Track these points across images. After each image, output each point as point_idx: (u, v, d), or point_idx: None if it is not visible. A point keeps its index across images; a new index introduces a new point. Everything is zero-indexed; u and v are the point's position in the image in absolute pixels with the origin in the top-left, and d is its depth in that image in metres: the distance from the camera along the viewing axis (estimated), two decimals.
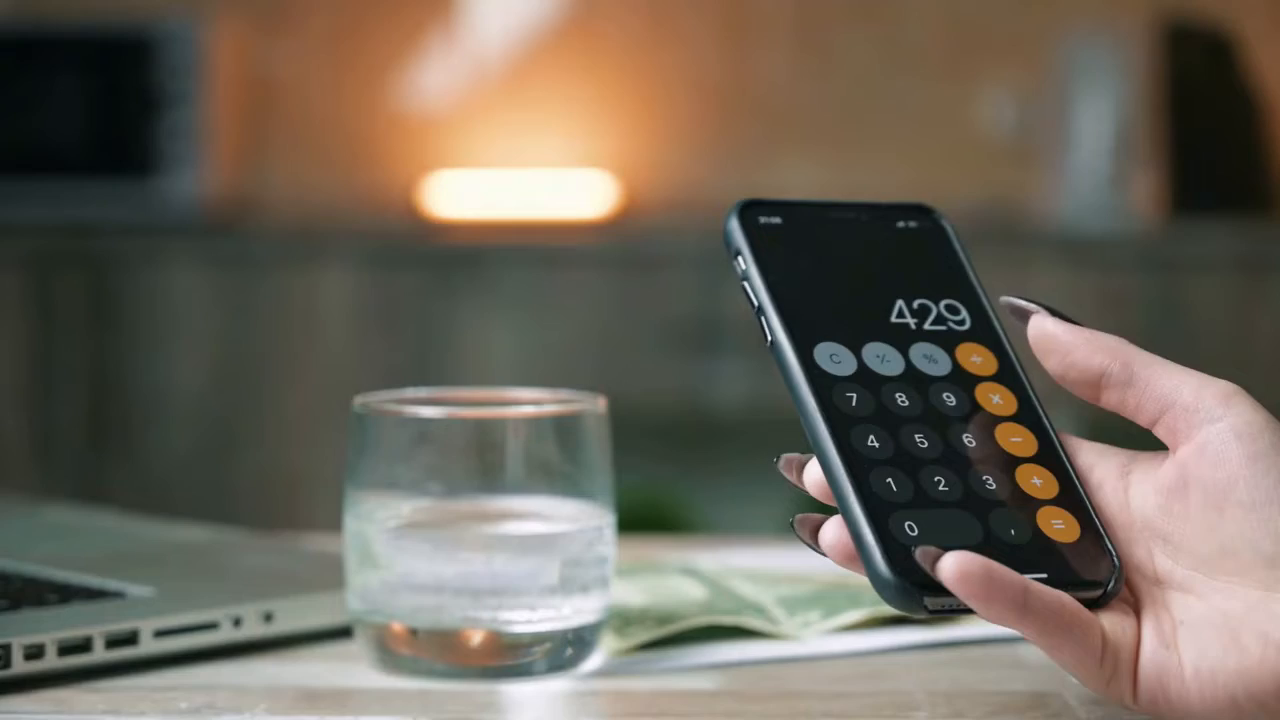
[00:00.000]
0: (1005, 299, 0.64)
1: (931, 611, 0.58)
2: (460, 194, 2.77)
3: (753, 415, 2.37)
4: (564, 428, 0.75)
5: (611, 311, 2.55)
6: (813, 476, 0.61)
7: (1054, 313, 0.63)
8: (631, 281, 2.55)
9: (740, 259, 0.65)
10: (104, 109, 2.66)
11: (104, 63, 2.66)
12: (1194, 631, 0.58)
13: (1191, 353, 2.38)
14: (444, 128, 2.86)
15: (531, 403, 0.77)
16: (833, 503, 0.60)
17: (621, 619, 0.79)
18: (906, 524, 0.59)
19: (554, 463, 0.75)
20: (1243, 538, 0.58)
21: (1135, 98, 2.69)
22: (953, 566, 0.56)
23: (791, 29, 2.87)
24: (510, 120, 2.85)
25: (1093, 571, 0.60)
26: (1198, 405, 0.59)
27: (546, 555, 0.73)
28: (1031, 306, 0.63)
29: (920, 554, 0.57)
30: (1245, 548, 0.58)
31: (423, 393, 0.77)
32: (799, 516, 0.62)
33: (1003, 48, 2.84)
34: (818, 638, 0.79)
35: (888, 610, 0.81)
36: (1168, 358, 0.62)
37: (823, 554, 0.61)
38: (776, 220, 0.66)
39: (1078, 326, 0.62)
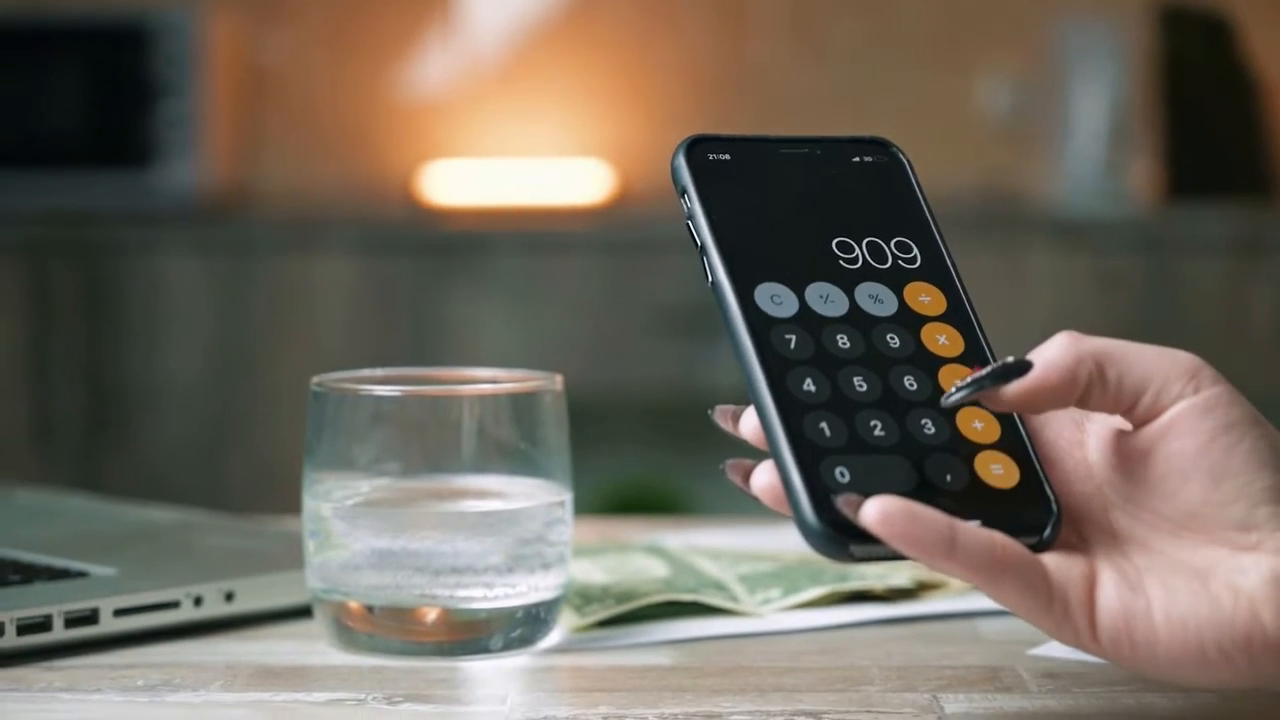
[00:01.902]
0: (946, 404, 0.60)
1: (858, 559, 0.57)
2: (457, 182, 2.77)
3: (746, 400, 2.36)
4: (521, 406, 0.75)
5: (606, 297, 2.55)
6: (749, 424, 0.61)
7: (996, 376, 0.59)
8: (626, 268, 2.55)
9: (686, 197, 0.63)
10: (101, 98, 2.67)
11: (101, 52, 2.66)
12: (1163, 578, 0.58)
13: (1186, 335, 2.38)
14: (441, 116, 2.86)
15: (488, 381, 0.77)
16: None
17: (582, 597, 0.79)
18: (838, 470, 0.58)
19: (511, 441, 0.75)
20: (1211, 503, 0.58)
21: (1131, 81, 2.69)
22: (875, 509, 0.56)
23: (786, 16, 2.87)
24: (506, 109, 2.85)
25: (1030, 517, 0.59)
26: (1166, 385, 0.59)
27: (503, 533, 0.73)
28: (973, 388, 0.59)
29: (842, 501, 0.57)
30: (1214, 512, 0.58)
31: (380, 372, 0.77)
32: (730, 461, 0.62)
33: (998, 32, 2.84)
34: (777, 614, 0.79)
35: (848, 587, 0.82)
36: (1163, 342, 0.60)
37: (755, 498, 0.60)
38: (725, 157, 0.64)
39: (1028, 365, 0.59)
